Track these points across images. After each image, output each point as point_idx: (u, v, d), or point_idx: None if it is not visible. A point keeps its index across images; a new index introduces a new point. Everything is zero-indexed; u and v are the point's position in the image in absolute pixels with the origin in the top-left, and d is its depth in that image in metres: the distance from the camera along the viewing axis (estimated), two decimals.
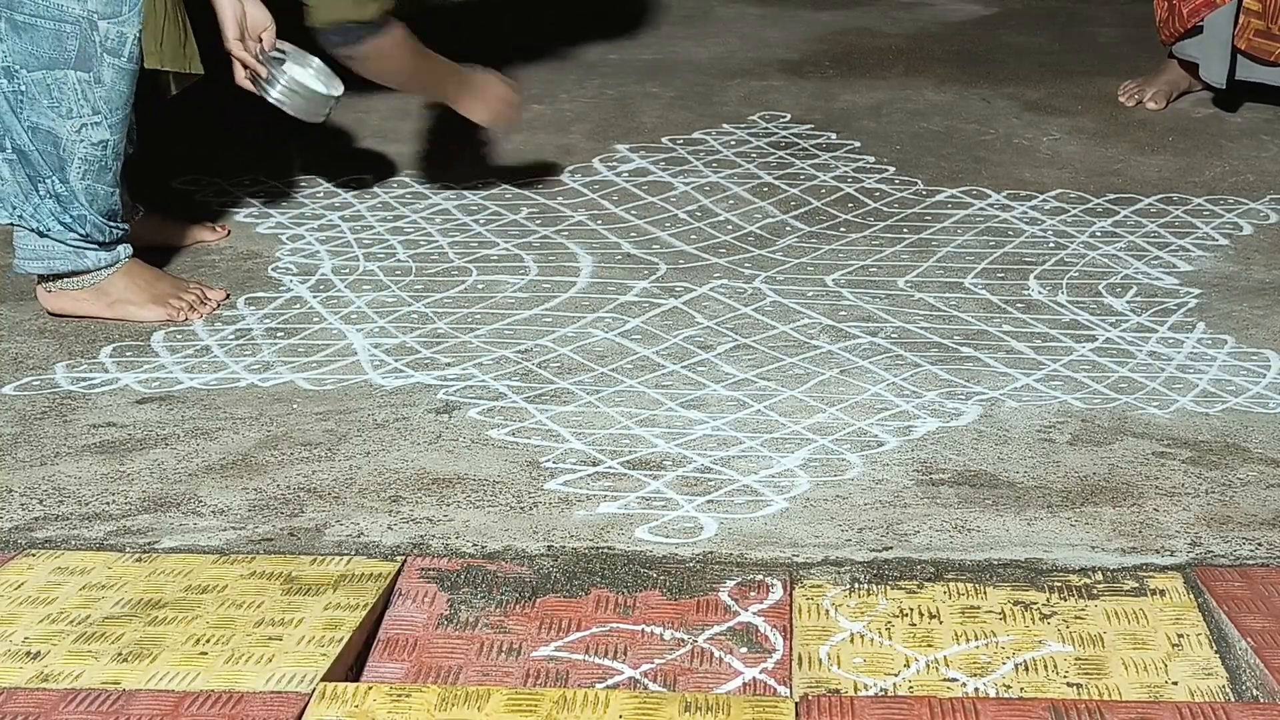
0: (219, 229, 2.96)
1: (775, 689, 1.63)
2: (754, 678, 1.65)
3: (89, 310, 2.58)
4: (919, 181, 3.22)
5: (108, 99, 2.44)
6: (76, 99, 2.42)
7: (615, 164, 3.32)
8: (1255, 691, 1.63)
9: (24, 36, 2.38)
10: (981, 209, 3.08)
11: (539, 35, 4.31)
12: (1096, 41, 4.26)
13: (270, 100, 2.65)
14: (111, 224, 2.54)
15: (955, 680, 1.64)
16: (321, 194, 3.15)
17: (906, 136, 3.49)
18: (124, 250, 2.59)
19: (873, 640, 1.71)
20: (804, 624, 1.74)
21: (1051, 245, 2.91)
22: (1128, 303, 2.66)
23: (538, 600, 1.80)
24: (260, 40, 2.58)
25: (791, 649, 1.69)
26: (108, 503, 2.03)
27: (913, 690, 1.62)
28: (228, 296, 2.67)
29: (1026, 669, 1.66)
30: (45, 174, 2.46)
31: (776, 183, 3.22)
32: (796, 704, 1.58)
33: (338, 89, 2.74)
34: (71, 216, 2.49)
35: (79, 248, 2.53)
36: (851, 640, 1.71)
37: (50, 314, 2.59)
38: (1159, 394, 2.33)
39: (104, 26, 2.40)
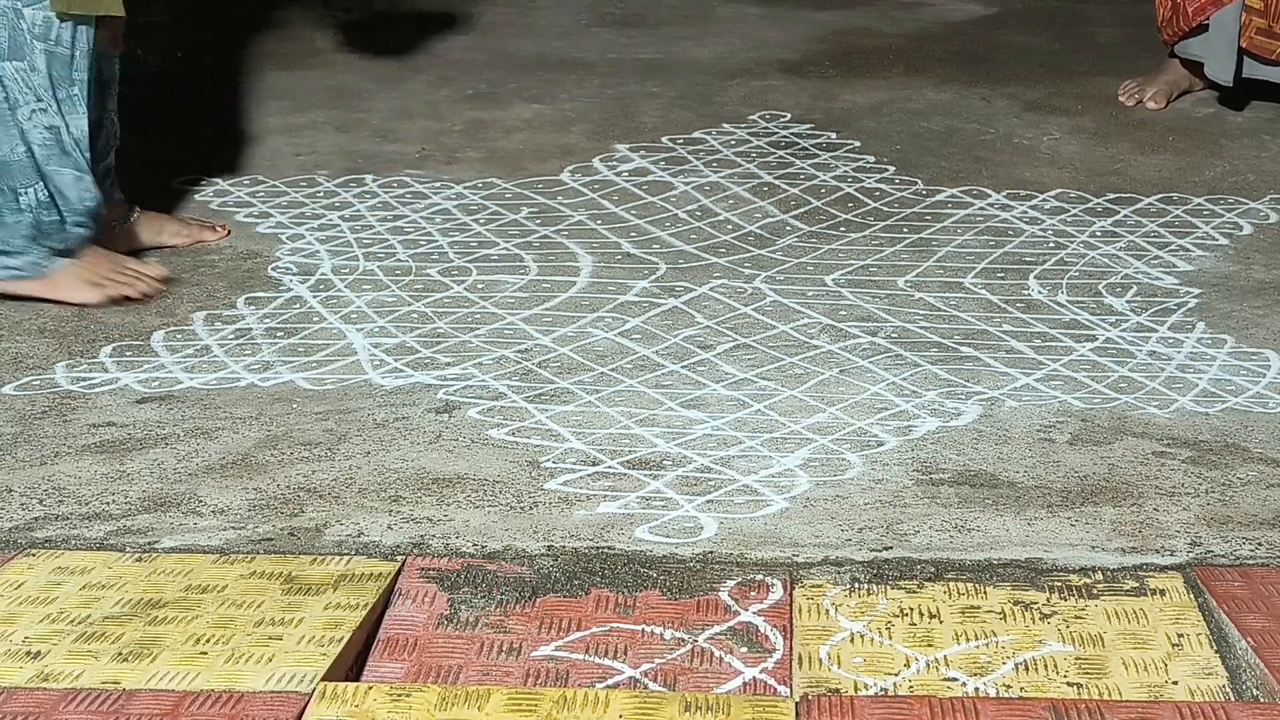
0: (219, 228, 2.96)
1: (775, 689, 1.63)
2: (754, 677, 1.65)
3: (26, 290, 2.62)
4: (919, 181, 3.22)
5: (45, 85, 2.48)
6: (19, 88, 2.45)
7: (615, 164, 3.32)
8: (1255, 691, 1.63)
9: None
10: (981, 209, 3.08)
11: (539, 35, 4.31)
12: (1096, 41, 4.26)
13: None
14: (79, 227, 2.58)
15: (955, 680, 1.64)
16: (321, 194, 3.15)
17: (906, 136, 3.49)
18: (83, 249, 2.63)
19: (873, 640, 1.71)
20: (804, 624, 1.74)
21: (1051, 245, 2.91)
22: (1128, 302, 2.66)
23: (538, 600, 1.80)
24: None
25: (791, 649, 1.69)
26: (108, 503, 2.03)
27: (913, 690, 1.62)
28: (169, 280, 2.68)
29: (1026, 669, 1.66)
30: (23, 183, 2.51)
31: (776, 182, 3.22)
32: (796, 704, 1.58)
33: None
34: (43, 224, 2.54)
35: (39, 262, 2.59)
36: (851, 640, 1.71)
37: None
38: (1159, 394, 2.33)
39: (29, 14, 2.44)
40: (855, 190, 3.17)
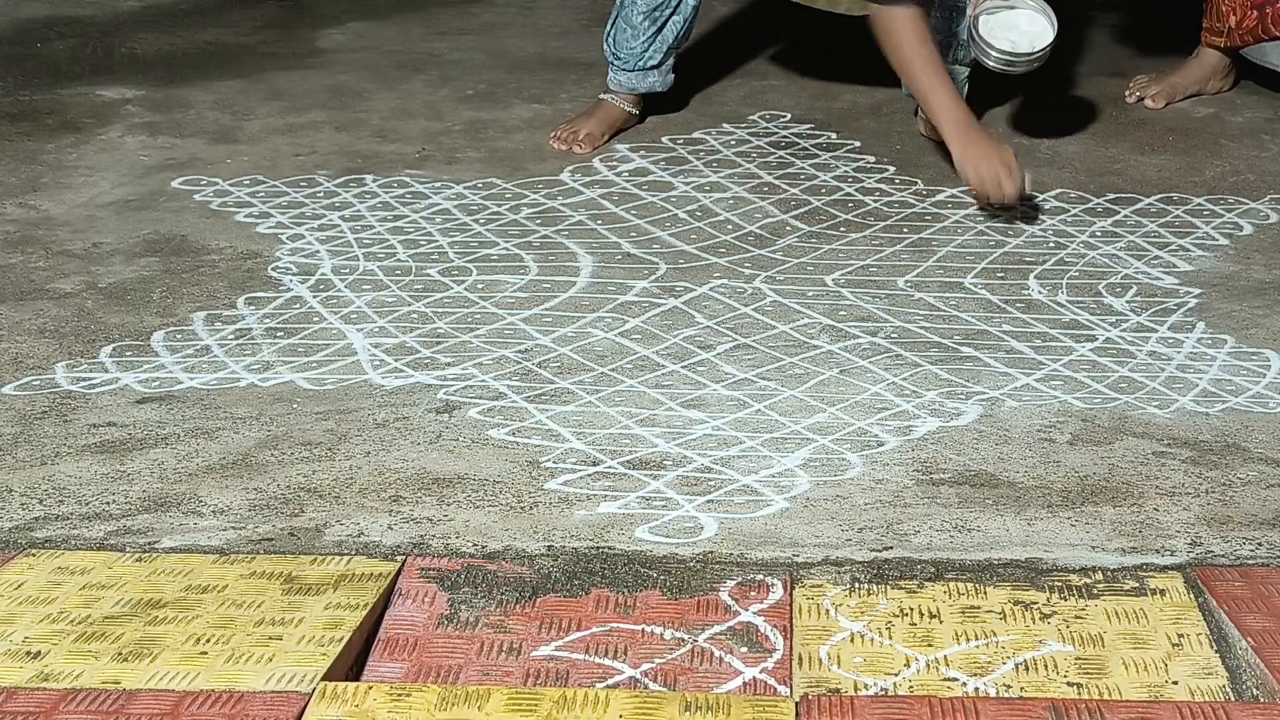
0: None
1: (775, 689, 1.63)
2: (754, 677, 1.65)
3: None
4: (919, 181, 3.22)
5: None
6: None
7: (615, 164, 3.32)
8: (1255, 691, 1.63)
9: None
10: (981, 208, 3.08)
11: (539, 35, 4.31)
12: (1097, 41, 4.26)
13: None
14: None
15: (955, 680, 1.64)
16: (321, 194, 3.15)
17: (907, 136, 3.48)
18: None
19: (873, 640, 1.71)
20: (804, 624, 1.74)
21: (1051, 245, 2.91)
22: (1128, 302, 2.66)
23: (538, 600, 1.80)
24: None
25: (792, 649, 1.69)
26: (108, 503, 2.03)
27: (913, 690, 1.62)
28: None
29: (1026, 669, 1.66)
30: None
31: (776, 182, 3.22)
32: (796, 704, 1.58)
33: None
34: None
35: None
36: (852, 640, 1.71)
37: None
38: (1159, 394, 2.33)
39: None
40: (855, 190, 3.17)
